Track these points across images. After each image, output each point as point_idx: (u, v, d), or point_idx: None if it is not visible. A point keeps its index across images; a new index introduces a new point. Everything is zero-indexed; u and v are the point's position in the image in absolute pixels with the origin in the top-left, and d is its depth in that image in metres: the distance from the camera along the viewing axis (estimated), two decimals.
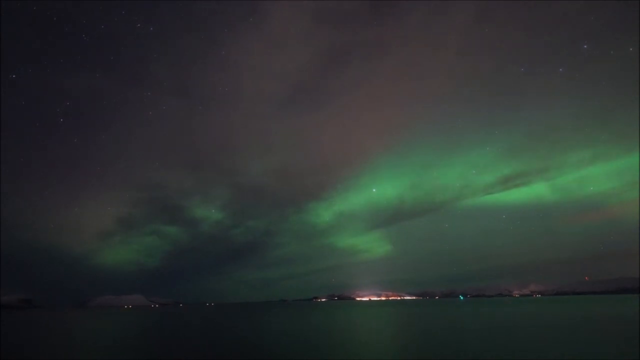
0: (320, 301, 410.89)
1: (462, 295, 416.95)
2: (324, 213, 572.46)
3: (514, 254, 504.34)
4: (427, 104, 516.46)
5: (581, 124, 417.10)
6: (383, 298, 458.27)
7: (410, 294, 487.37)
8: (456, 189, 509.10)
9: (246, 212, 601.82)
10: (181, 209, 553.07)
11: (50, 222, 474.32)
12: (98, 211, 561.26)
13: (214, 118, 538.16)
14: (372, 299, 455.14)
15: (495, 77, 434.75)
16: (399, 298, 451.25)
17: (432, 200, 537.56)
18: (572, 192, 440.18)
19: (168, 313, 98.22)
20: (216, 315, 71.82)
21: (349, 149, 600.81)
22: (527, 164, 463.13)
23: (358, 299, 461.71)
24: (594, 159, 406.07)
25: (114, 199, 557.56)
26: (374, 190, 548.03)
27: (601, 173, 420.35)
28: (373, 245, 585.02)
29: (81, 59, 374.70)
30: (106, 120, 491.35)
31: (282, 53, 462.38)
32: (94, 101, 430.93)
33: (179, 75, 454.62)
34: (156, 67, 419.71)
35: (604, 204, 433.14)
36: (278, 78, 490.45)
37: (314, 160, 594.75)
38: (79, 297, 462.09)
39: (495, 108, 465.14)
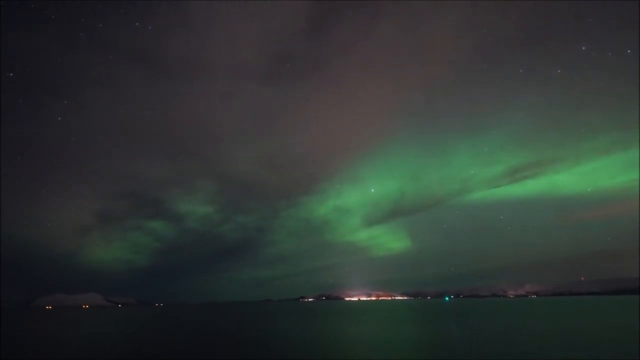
0: (307, 301, 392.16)
1: (448, 296, 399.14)
2: (319, 208, 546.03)
3: (511, 253, 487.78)
4: (428, 80, 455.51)
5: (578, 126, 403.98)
6: (373, 298, 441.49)
7: (402, 294, 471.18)
8: (459, 181, 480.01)
9: (234, 207, 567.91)
10: (162, 203, 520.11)
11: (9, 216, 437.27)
12: (71, 205, 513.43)
13: (187, 97, 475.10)
14: (362, 299, 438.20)
15: (494, 75, 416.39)
16: (389, 298, 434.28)
17: (433, 194, 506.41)
18: (572, 188, 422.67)
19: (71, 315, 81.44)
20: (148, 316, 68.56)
21: (340, 133, 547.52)
22: (535, 154, 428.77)
23: (347, 299, 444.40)
24: (594, 154, 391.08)
25: (87, 192, 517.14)
26: (372, 190, 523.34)
27: (602, 169, 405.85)
28: (368, 243, 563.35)
29: (27, 19, 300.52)
30: (66, 103, 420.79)
31: (257, 15, 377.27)
32: (49, 76, 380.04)
33: (143, 42, 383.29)
34: (119, 34, 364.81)
35: (603, 201, 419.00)
36: (254, 46, 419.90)
37: (303, 147, 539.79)
38: (27, 296, 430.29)
39: (502, 92, 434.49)
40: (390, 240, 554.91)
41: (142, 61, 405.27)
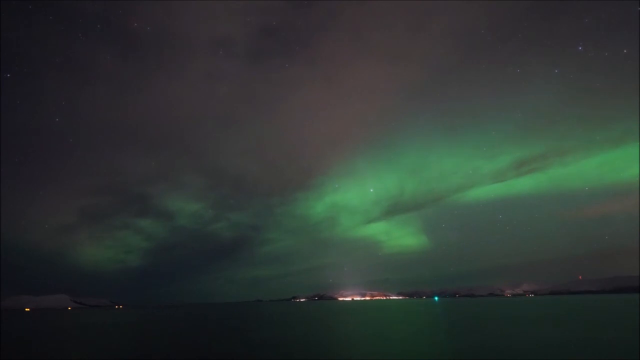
0: (299, 302, 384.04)
1: (438, 296, 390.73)
2: (315, 205, 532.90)
3: (509, 253, 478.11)
4: (427, 60, 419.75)
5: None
6: (368, 298, 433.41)
7: (399, 294, 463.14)
8: (462, 175, 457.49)
9: (226, 203, 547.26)
10: (148, 199, 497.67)
11: None
12: (51, 203, 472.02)
13: (166, 80, 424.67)
14: (356, 299, 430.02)
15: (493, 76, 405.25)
16: (384, 298, 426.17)
17: (434, 189, 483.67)
18: (576, 184, 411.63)
19: None
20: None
21: (334, 122, 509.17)
22: (543, 146, 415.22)
23: (341, 299, 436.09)
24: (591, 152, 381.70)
25: (67, 188, 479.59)
26: (371, 190, 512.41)
27: (600, 166, 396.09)
28: (366, 242, 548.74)
29: None
30: (34, 91, 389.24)
31: None
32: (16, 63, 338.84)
33: (112, 17, 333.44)
34: (85, 10, 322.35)
35: (602, 199, 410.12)
36: (235, 19, 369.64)
37: (296, 138, 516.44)
38: None
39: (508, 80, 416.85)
40: (389, 239, 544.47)
41: (113, 38, 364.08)
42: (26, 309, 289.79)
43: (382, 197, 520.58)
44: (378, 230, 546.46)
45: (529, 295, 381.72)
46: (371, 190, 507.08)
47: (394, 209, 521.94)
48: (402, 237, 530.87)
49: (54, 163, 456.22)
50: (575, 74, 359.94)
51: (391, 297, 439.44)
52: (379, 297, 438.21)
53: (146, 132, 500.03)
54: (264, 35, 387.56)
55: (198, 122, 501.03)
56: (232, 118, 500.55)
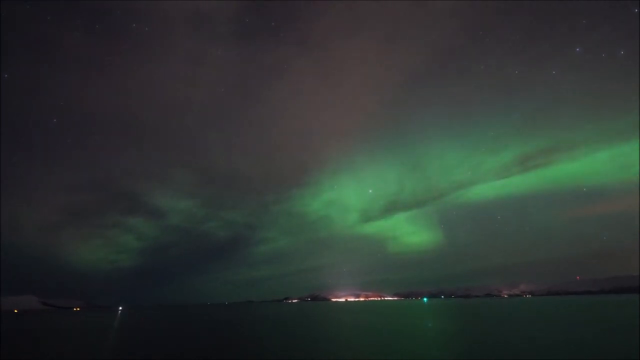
0: (291, 303, 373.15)
1: (427, 297, 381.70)
2: (312, 202, 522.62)
3: (506, 252, 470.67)
4: (427, 45, 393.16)
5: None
6: (362, 299, 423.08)
7: (394, 295, 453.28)
8: (465, 171, 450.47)
9: (218, 201, 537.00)
10: (136, 196, 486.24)
11: None
12: (33, 200, 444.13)
13: (145, 62, 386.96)
14: (349, 299, 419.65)
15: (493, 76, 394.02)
16: (379, 299, 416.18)
17: (436, 186, 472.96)
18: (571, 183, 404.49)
19: None
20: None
21: (329, 112, 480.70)
22: (548, 140, 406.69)
23: (334, 300, 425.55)
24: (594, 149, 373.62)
25: (49, 184, 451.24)
26: (370, 191, 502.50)
27: (601, 164, 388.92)
28: (364, 242, 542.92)
29: None
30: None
31: None
32: None
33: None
34: None
35: (600, 198, 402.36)
36: None
37: (289, 131, 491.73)
38: None
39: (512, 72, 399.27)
40: (388, 239, 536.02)
41: (81, 18, 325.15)
42: None
43: (381, 194, 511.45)
44: (378, 229, 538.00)
45: (526, 295, 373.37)
46: (370, 191, 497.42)
47: (393, 207, 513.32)
48: (401, 236, 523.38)
49: (34, 158, 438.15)
50: (573, 74, 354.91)
51: (386, 298, 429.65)
52: (373, 298, 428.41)
53: (130, 125, 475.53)
54: (251, 12, 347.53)
55: (183, 113, 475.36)
56: (219, 108, 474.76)
